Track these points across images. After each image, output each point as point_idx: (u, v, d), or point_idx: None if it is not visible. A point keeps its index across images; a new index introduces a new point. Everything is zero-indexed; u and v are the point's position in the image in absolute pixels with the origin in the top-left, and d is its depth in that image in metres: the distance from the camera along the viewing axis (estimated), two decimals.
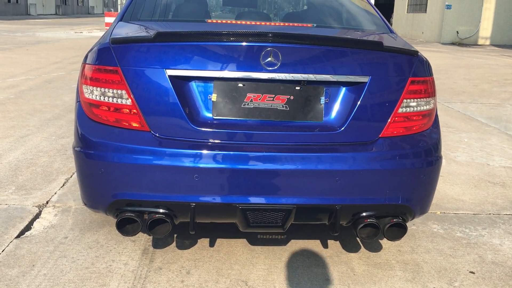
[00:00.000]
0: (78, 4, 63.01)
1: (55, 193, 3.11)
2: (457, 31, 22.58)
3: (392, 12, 35.17)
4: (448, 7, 22.39)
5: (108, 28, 2.67)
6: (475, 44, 22.61)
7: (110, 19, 25.49)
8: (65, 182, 3.30)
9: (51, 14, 51.68)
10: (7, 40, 14.77)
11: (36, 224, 2.70)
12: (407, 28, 26.82)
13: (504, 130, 5.39)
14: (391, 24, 31.48)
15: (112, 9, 69.78)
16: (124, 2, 26.00)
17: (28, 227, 2.65)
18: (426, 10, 24.42)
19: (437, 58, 14.14)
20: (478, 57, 14.99)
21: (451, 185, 3.57)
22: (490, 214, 3.09)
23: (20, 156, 3.80)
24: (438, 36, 23.06)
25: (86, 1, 66.44)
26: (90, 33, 21.30)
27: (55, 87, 6.81)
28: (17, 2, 44.82)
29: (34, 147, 4.04)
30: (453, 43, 22.42)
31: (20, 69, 8.41)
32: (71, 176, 3.41)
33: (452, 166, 4.03)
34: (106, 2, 75.85)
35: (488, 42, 22.70)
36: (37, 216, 2.79)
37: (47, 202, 2.98)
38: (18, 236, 2.54)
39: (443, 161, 3.68)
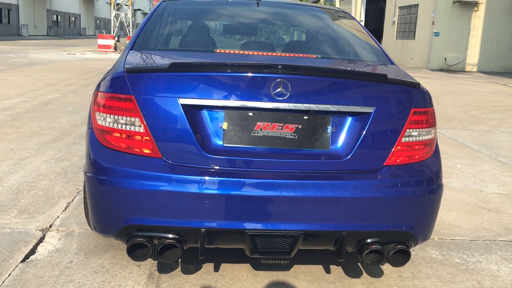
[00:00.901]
0: (70, 26, 63.29)
1: (58, 217, 3.13)
2: (445, 58, 23.06)
3: (381, 38, 35.90)
4: (436, 34, 22.91)
5: (119, 55, 2.78)
6: (462, 70, 23.08)
7: (103, 41, 25.73)
8: (67, 206, 3.32)
9: (42, 35, 51.82)
10: (0, 61, 14.80)
11: (40, 248, 2.71)
12: (396, 54, 27.31)
13: (495, 157, 5.52)
14: None
15: (104, 31, 70.18)
16: (115, 24, 26.23)
17: (32, 251, 2.66)
18: (414, 37, 24.95)
19: (426, 84, 14.40)
20: (466, 83, 15.31)
21: (447, 211, 3.65)
22: (486, 240, 3.16)
23: (20, 179, 3.82)
24: (426, 62, 23.52)
25: (78, 23, 66.77)
26: (82, 54, 21.40)
27: (52, 110, 6.84)
28: (9, 22, 44.94)
29: (34, 170, 4.05)
30: (441, 69, 22.87)
31: (15, 91, 8.44)
32: (72, 200, 3.43)
33: (447, 192, 4.12)
34: (98, 24, 76.30)
35: (475, 69, 23.19)
36: (41, 240, 2.81)
37: (50, 226, 2.99)
38: (23, 260, 2.56)
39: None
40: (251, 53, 2.81)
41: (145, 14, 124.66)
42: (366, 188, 2.10)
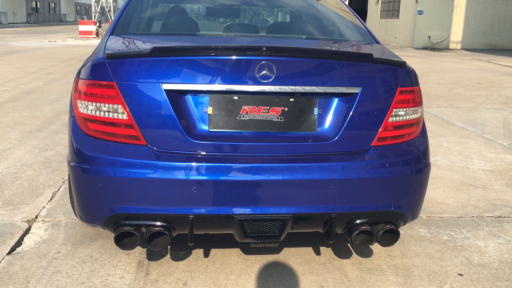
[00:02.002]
0: (50, 12, 62.06)
1: (44, 207, 3.08)
2: (429, 36, 23.11)
3: (366, 17, 35.78)
4: (420, 12, 22.90)
5: (99, 41, 2.73)
6: (446, 48, 23.17)
7: (84, 27, 25.29)
8: (52, 196, 3.27)
9: (22, 23, 50.76)
10: None
11: (26, 239, 2.67)
12: (380, 33, 27.27)
13: (480, 134, 5.56)
14: None
15: (85, 17, 68.95)
16: (96, 9, 25.78)
17: (19, 243, 2.62)
18: (398, 16, 24.92)
19: (411, 63, 14.43)
20: (450, 61, 15.37)
21: (434, 189, 3.67)
22: (473, 216, 3.19)
23: (4, 170, 3.75)
24: (410, 41, 23.55)
25: (58, 9, 65.49)
26: (64, 41, 21.03)
27: (34, 98, 6.72)
28: None
29: (18, 161, 3.98)
30: (425, 48, 22.93)
31: None
32: (58, 190, 3.38)
33: (434, 170, 4.14)
34: (79, 10, 74.91)
35: (459, 47, 23.29)
36: (27, 231, 2.76)
37: (36, 217, 2.95)
38: (9, 253, 2.51)
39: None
40: (234, 35, 2.79)
41: None
42: (354, 169, 2.09)
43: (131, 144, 2.03)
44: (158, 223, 2.04)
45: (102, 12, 26.75)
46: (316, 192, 2.05)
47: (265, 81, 2.01)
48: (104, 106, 2.03)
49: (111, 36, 2.48)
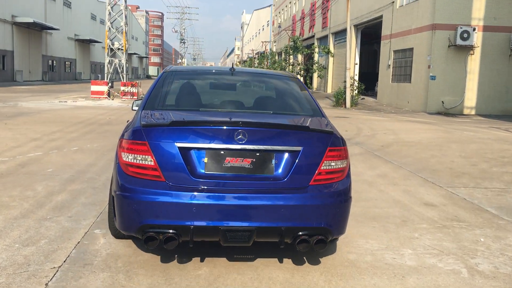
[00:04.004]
0: (65, 70, 63.57)
1: None
2: (442, 101, 22.85)
3: (377, 80, 35.92)
4: (433, 78, 22.78)
5: (134, 114, 3.92)
6: (460, 114, 22.83)
7: (96, 88, 25.46)
8: None
9: (37, 81, 51.82)
10: None
11: None
12: (392, 97, 27.14)
13: None
14: (375, 93, 31.97)
15: (100, 75, 70.40)
16: (109, 70, 26.01)
17: None
18: (410, 81, 24.83)
19: (427, 130, 13.99)
20: (467, 129, 14.90)
21: None
22: None
23: None
24: (423, 105, 23.28)
25: (73, 68, 67.14)
26: (74, 102, 21.02)
27: (29, 173, 6.26)
28: (3, 68, 44.94)
29: None
30: (439, 113, 22.61)
31: None
32: None
33: (477, 279, 3.52)
34: (94, 68, 76.80)
35: (473, 112, 22.95)
36: None
37: None
38: None
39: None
40: (223, 111, 4.01)
41: (140, 58, 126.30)
42: (297, 199, 3.20)
43: (155, 181, 3.15)
44: (171, 231, 3.10)
45: (117, 70, 26.99)
46: (272, 213, 3.15)
47: (241, 142, 3.17)
48: (139, 157, 3.18)
49: (143, 110, 3.74)
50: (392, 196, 5.90)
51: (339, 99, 27.54)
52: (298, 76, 48.74)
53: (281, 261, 3.64)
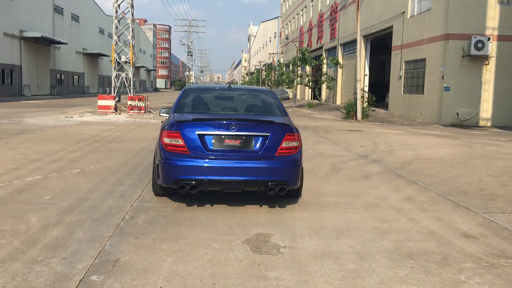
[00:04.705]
0: (73, 84, 63.55)
1: None
2: (457, 113, 22.21)
3: (386, 91, 35.29)
4: (447, 89, 22.16)
5: (168, 116, 6.45)
6: (476, 125, 22.16)
7: (103, 102, 25.07)
8: None
9: (45, 95, 51.74)
10: None
11: None
12: (404, 109, 26.51)
13: None
14: (386, 104, 31.36)
15: (108, 89, 70.19)
16: (116, 84, 25.64)
17: None
18: (423, 92, 24.21)
19: (446, 145, 13.35)
20: (488, 143, 14.24)
21: None
22: None
23: None
24: (437, 117, 22.64)
25: (82, 81, 67.15)
26: (81, 117, 20.61)
27: (24, 201, 5.74)
28: (11, 83, 44.86)
29: None
30: (453, 125, 21.95)
31: None
32: None
33: None
34: (102, 82, 76.84)
35: (489, 124, 22.27)
36: None
37: None
38: None
39: None
40: (224, 112, 6.43)
41: (148, 70, 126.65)
42: (267, 164, 5.40)
43: (184, 153, 5.35)
44: (193, 182, 5.26)
45: (123, 85, 26.58)
46: (252, 172, 5.34)
47: (234, 130, 5.40)
48: (174, 140, 5.41)
49: (174, 113, 6.09)
50: (425, 226, 5.30)
51: (349, 111, 26.96)
52: (307, 88, 48.36)
53: (261, 206, 5.96)
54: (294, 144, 5.59)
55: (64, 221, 4.97)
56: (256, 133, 5.48)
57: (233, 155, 5.42)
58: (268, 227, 5.06)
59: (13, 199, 5.81)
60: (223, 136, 5.44)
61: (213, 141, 5.43)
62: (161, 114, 6.80)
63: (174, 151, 5.40)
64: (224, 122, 5.51)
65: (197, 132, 5.40)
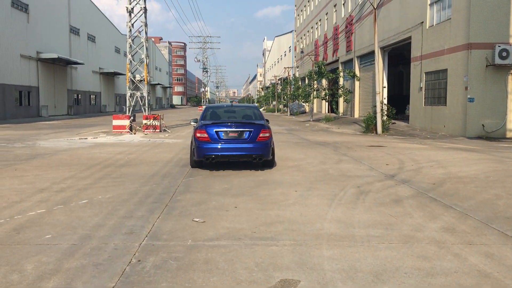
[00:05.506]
0: (90, 103, 63.92)
1: None
2: (482, 124, 21.34)
3: (404, 103, 34.43)
4: (471, 100, 21.33)
5: (197, 122, 11.79)
6: (503, 137, 21.24)
7: (117, 122, 24.77)
8: None
9: (63, 115, 52.01)
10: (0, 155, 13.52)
11: None
12: (426, 121, 25.67)
13: None
14: (406, 117, 30.52)
15: (124, 107, 70.53)
16: (131, 103, 25.33)
17: None
18: (446, 103, 23.40)
19: (476, 161, 12.55)
20: None
21: None
22: None
23: None
24: (462, 129, 21.78)
25: (98, 100, 67.54)
26: (95, 138, 20.26)
27: (23, 242, 5.20)
28: (28, 104, 45.13)
29: None
30: (479, 137, 21.07)
31: None
32: None
33: None
34: (118, 100, 77.25)
35: None
36: None
37: None
38: None
39: None
40: (230, 118, 12.00)
41: (164, 87, 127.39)
42: (252, 145, 10.55)
43: (207, 141, 10.49)
44: (213, 155, 10.45)
45: (139, 103, 26.26)
46: (244, 149, 10.53)
47: (233, 128, 10.71)
48: (202, 134, 10.59)
49: (201, 120, 11.35)
50: (474, 265, 4.60)
51: (369, 125, 26.23)
52: (323, 101, 47.66)
53: (251, 170, 10.72)
54: (266, 135, 10.74)
55: (63, 267, 4.41)
56: (246, 129, 10.68)
57: (233, 141, 10.58)
58: (293, 270, 4.41)
59: (11, 239, 5.28)
60: (228, 131, 10.62)
61: (223, 134, 10.57)
62: (191, 123, 12.38)
63: (202, 139, 10.50)
64: (228, 124, 10.82)
65: (214, 130, 10.57)
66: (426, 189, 8.46)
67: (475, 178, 9.71)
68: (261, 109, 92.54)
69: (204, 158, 10.40)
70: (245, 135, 10.53)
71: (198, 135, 10.51)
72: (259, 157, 10.51)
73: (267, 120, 11.63)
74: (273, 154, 11.18)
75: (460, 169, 10.98)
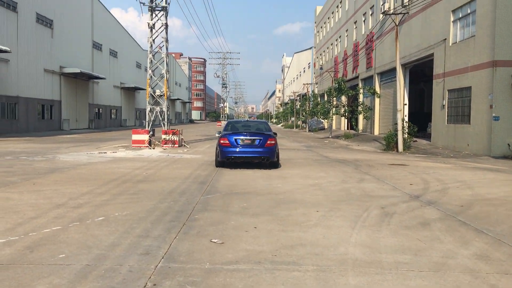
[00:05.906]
0: (111, 118, 64.63)
1: None
2: (508, 144, 20.73)
3: (425, 120, 33.85)
4: (496, 118, 20.79)
5: (220, 133, 15.90)
6: None
7: (137, 137, 24.83)
8: None
9: (84, 129, 52.61)
10: (19, 169, 13.54)
11: None
12: (449, 139, 25.11)
13: None
14: (428, 135, 29.98)
15: (144, 121, 71.13)
16: (150, 118, 25.39)
17: None
18: (469, 122, 22.87)
19: (505, 182, 12.07)
20: None
21: None
22: None
23: None
24: (487, 149, 21.21)
25: (119, 115, 68.26)
26: (114, 153, 20.27)
27: (35, 261, 5.02)
28: (51, 118, 45.79)
29: None
30: (505, 157, 20.46)
31: (6, 223, 6.78)
32: None
33: None
34: (138, 115, 77.98)
35: None
36: None
37: None
38: None
39: None
40: (245, 129, 16.09)
41: (183, 103, 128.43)
42: (262, 149, 14.58)
43: (228, 146, 14.61)
44: (232, 157, 14.57)
45: (158, 118, 26.32)
46: (256, 153, 14.59)
47: (248, 136, 14.76)
48: (224, 141, 14.71)
49: (224, 131, 15.58)
50: None
51: (390, 143, 25.75)
52: (343, 118, 47.30)
53: (260, 169, 14.64)
54: (272, 142, 14.49)
55: None
56: (257, 137, 14.41)
57: (247, 146, 14.33)
58: None
59: (23, 258, 5.11)
60: (243, 139, 14.37)
61: (240, 141, 14.35)
62: (216, 135, 15.94)
63: (225, 145, 14.34)
64: (244, 133, 14.66)
65: (233, 138, 14.35)
66: (454, 212, 8.09)
67: (505, 201, 9.29)
68: (279, 125, 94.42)
69: (226, 159, 14.49)
70: (257, 142, 14.54)
71: (221, 141, 14.60)
72: (267, 159, 14.50)
73: (275, 133, 15.63)
74: (277, 157, 15.16)
75: (488, 191, 10.56)
